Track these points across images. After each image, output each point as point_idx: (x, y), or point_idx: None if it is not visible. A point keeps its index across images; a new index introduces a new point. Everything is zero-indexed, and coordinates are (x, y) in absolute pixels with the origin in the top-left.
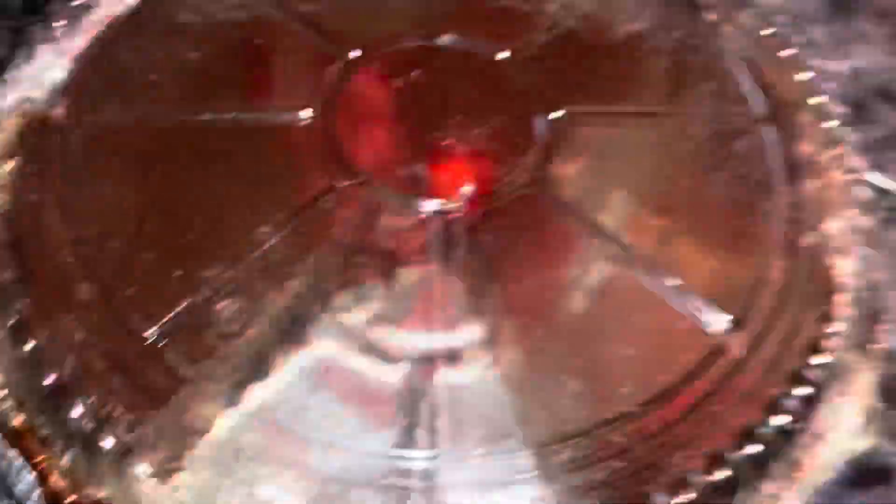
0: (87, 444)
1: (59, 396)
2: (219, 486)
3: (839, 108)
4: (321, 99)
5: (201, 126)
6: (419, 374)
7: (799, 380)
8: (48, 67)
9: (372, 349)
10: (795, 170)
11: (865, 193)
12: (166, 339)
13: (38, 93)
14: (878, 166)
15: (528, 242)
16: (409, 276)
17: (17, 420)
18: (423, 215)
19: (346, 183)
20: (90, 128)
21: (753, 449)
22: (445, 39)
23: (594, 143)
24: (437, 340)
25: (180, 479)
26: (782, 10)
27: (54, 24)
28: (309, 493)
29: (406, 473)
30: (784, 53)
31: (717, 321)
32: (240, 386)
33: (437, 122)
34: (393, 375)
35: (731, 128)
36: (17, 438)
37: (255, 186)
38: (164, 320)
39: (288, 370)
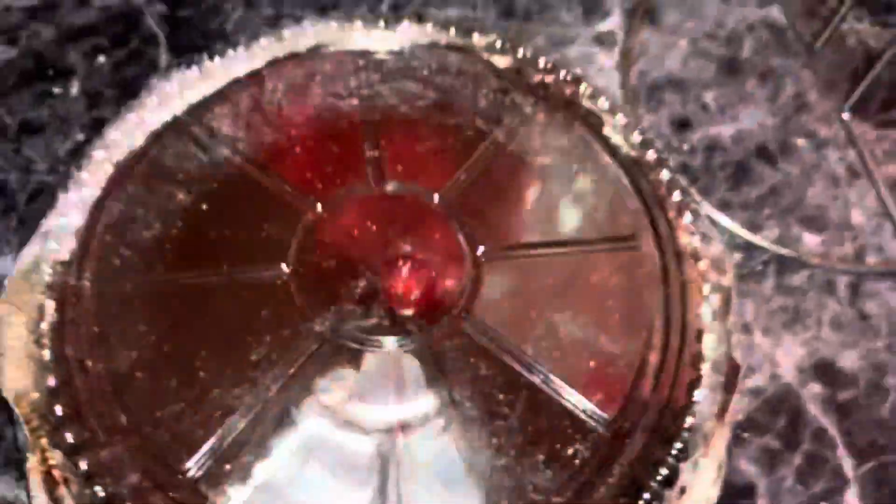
0: None
1: None
2: None
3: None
4: (295, 254)
5: (196, 285)
6: (386, 441)
7: (670, 445)
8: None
9: (347, 423)
10: (666, 268)
11: (724, 250)
12: (203, 473)
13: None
14: (753, 224)
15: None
16: (374, 361)
17: None
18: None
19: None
20: (106, 294)
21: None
22: (391, 186)
23: (507, 274)
24: (399, 412)
25: None
26: (679, 80)
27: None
28: None
29: None
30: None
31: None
32: (248, 468)
33: (389, 259)
34: (366, 444)
35: (618, 245)
36: None
37: (247, 326)
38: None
39: (283, 449)
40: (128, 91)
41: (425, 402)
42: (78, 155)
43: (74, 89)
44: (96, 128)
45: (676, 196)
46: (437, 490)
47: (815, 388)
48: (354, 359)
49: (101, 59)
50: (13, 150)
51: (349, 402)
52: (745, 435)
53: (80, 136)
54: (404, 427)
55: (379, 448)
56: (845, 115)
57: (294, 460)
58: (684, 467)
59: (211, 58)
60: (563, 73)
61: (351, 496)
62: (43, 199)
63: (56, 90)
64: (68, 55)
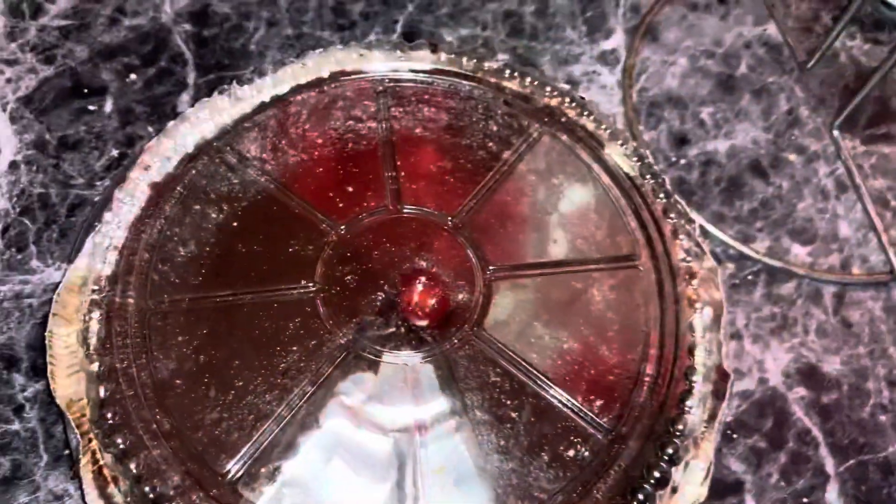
0: None
1: None
2: None
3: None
4: (322, 272)
5: (229, 301)
6: (404, 441)
7: (663, 449)
8: (106, 242)
9: (367, 423)
10: (661, 285)
11: (716, 267)
12: (240, 475)
13: (99, 268)
14: (745, 236)
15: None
16: (391, 368)
17: None
18: (399, 329)
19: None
20: (148, 309)
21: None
22: (407, 208)
23: (514, 291)
24: (414, 414)
25: None
26: (677, 97)
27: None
28: None
29: None
30: (656, 196)
31: (601, 424)
32: (279, 467)
33: (406, 275)
34: (384, 444)
35: (618, 264)
36: None
37: (277, 338)
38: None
39: (309, 448)
40: (158, 108)
41: (439, 405)
42: (113, 170)
43: (108, 106)
44: (129, 144)
45: (672, 217)
46: (449, 487)
47: (801, 391)
48: (373, 365)
49: (133, 76)
50: (53, 165)
51: (368, 403)
52: (734, 435)
53: (115, 152)
54: (420, 428)
55: (396, 447)
56: (835, 131)
57: (319, 459)
58: (676, 469)
59: (240, 84)
60: (567, 98)
61: (371, 491)
62: (81, 211)
63: (91, 107)
64: (101, 73)
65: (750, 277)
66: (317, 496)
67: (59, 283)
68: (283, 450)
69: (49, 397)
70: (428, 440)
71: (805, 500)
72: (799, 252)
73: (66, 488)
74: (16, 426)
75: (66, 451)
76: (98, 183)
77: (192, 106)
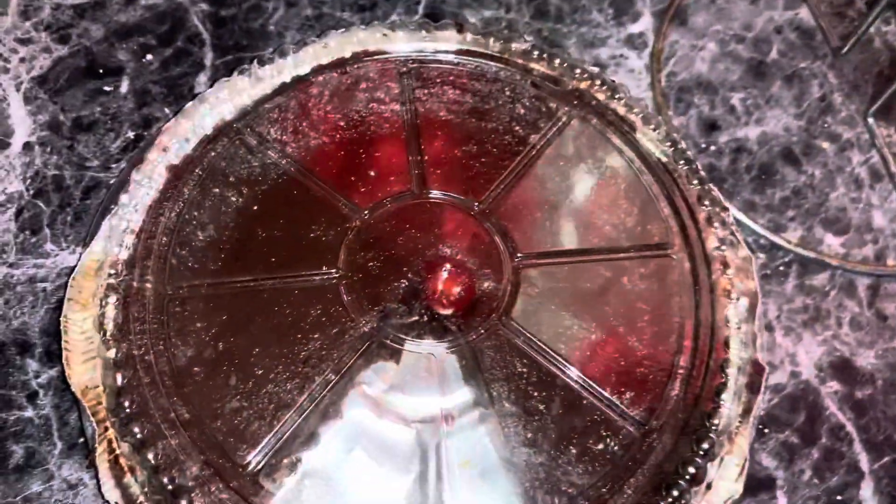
0: None
1: (179, 497)
2: None
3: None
4: (346, 258)
5: (250, 287)
6: (426, 432)
7: (698, 444)
8: (123, 225)
9: (389, 413)
10: (696, 274)
11: (751, 256)
12: (260, 465)
13: (115, 252)
14: (776, 225)
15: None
16: (413, 357)
17: None
18: (422, 317)
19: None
20: (166, 294)
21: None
22: (433, 194)
23: (543, 279)
24: (437, 405)
25: None
26: (707, 82)
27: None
28: None
29: None
30: (690, 182)
31: (633, 417)
32: (300, 458)
33: (430, 262)
34: (407, 434)
35: (650, 252)
36: None
37: (298, 325)
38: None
39: (331, 438)
40: (175, 89)
41: (463, 396)
42: (129, 152)
43: (124, 87)
44: (146, 125)
45: (707, 204)
46: (474, 480)
47: (834, 385)
48: (396, 354)
49: (149, 57)
50: (67, 146)
51: (390, 393)
52: (766, 430)
53: (131, 134)
54: (444, 419)
55: (419, 438)
56: (869, 119)
57: (341, 449)
58: (711, 465)
59: (261, 64)
60: (598, 81)
61: (393, 482)
62: (96, 194)
63: (106, 88)
64: (117, 53)
65: (781, 268)
66: (338, 487)
67: (74, 267)
68: (304, 440)
69: (63, 384)
70: (452, 432)
71: (839, 497)
72: (832, 242)
73: (80, 477)
74: (29, 413)
75: (81, 439)
76: (113, 165)
77: (210, 87)
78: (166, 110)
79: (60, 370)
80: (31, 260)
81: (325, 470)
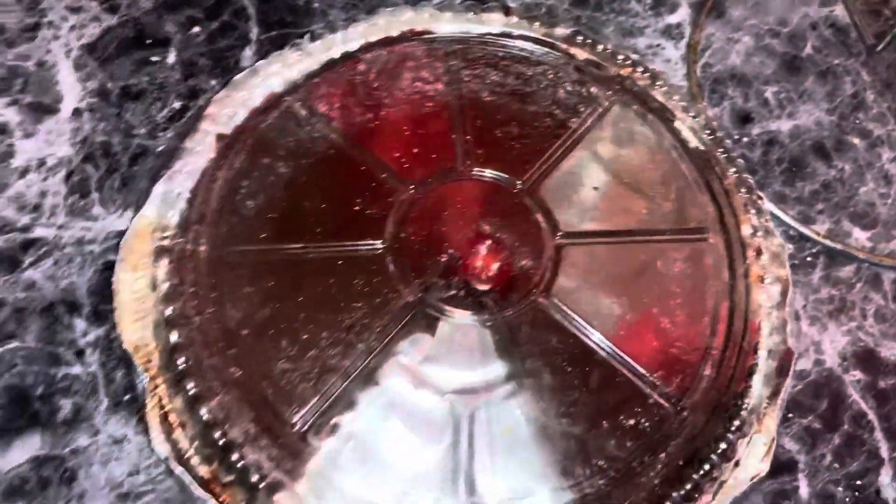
0: (250, 485)
1: (229, 452)
2: (324, 492)
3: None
4: (392, 230)
5: (299, 254)
6: (459, 403)
7: (730, 422)
8: (175, 190)
9: (423, 384)
10: (731, 259)
11: (784, 243)
12: (307, 425)
13: (168, 216)
14: (805, 217)
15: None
16: (448, 329)
17: (204, 470)
18: (460, 291)
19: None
20: (218, 258)
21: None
22: (477, 171)
23: (584, 259)
24: (471, 376)
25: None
26: (741, 74)
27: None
28: (385, 491)
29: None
30: (728, 169)
31: (668, 394)
32: (341, 421)
33: (470, 238)
34: (440, 404)
35: (687, 236)
36: (205, 484)
37: (344, 293)
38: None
39: (368, 405)
40: (221, 62)
41: (497, 370)
42: (175, 121)
43: (171, 58)
44: (192, 96)
45: (743, 192)
46: (505, 451)
47: (857, 374)
48: (434, 326)
49: (196, 29)
50: (115, 114)
51: (426, 364)
52: (790, 415)
53: (177, 104)
54: (477, 391)
55: (452, 408)
56: None
57: (378, 415)
58: (741, 443)
59: (312, 39)
60: (639, 68)
61: (426, 450)
62: (143, 161)
63: (154, 58)
64: (165, 25)
65: (809, 259)
66: (376, 451)
67: (121, 230)
68: (346, 404)
69: (110, 343)
70: (485, 404)
71: (858, 482)
72: (859, 236)
73: (125, 433)
74: (77, 370)
75: (126, 397)
76: (160, 134)
77: (256, 61)
78: (212, 82)
79: (107, 329)
80: (80, 222)
81: (363, 434)
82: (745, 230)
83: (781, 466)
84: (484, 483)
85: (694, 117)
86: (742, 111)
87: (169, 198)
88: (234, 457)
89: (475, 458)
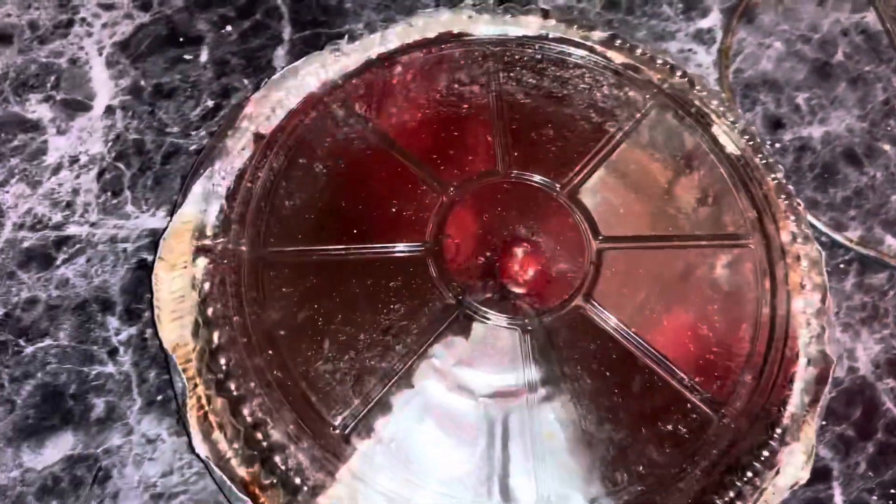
0: (293, 487)
1: (271, 454)
2: (363, 494)
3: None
4: (433, 231)
5: (340, 256)
6: (493, 407)
7: (772, 429)
8: (215, 189)
9: (458, 387)
10: (772, 265)
11: (821, 250)
12: (347, 426)
13: (207, 215)
14: (837, 224)
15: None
16: (482, 332)
17: (244, 472)
18: (495, 295)
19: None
20: (259, 258)
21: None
22: (517, 174)
23: (624, 263)
24: (505, 380)
25: (335, 491)
26: (773, 80)
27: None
28: (420, 494)
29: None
30: (768, 175)
31: (710, 400)
32: (378, 422)
33: (513, 240)
34: (473, 408)
35: (728, 241)
36: (245, 485)
37: (383, 296)
38: (347, 409)
39: (404, 407)
40: (253, 61)
41: (532, 373)
42: (208, 120)
43: (203, 56)
44: (225, 95)
45: (783, 198)
46: (541, 456)
47: (890, 382)
48: (466, 329)
49: (228, 28)
50: (148, 112)
51: (458, 367)
52: (824, 423)
53: (210, 103)
54: (510, 394)
55: (486, 412)
56: None
57: (414, 418)
58: (783, 450)
59: (351, 40)
60: (677, 72)
61: (461, 454)
62: (176, 159)
63: (186, 56)
64: (197, 23)
65: (842, 266)
66: (412, 454)
67: (154, 228)
68: (384, 407)
69: (143, 341)
70: (519, 408)
71: (892, 491)
72: (892, 243)
73: (158, 433)
74: (110, 368)
75: (160, 396)
76: (193, 133)
77: (288, 60)
78: (245, 81)
79: (140, 329)
80: (112, 220)
81: (401, 436)
82: (785, 236)
83: (816, 474)
84: (519, 488)
85: (732, 122)
86: (774, 117)
87: (208, 197)
88: (277, 458)
89: (510, 463)
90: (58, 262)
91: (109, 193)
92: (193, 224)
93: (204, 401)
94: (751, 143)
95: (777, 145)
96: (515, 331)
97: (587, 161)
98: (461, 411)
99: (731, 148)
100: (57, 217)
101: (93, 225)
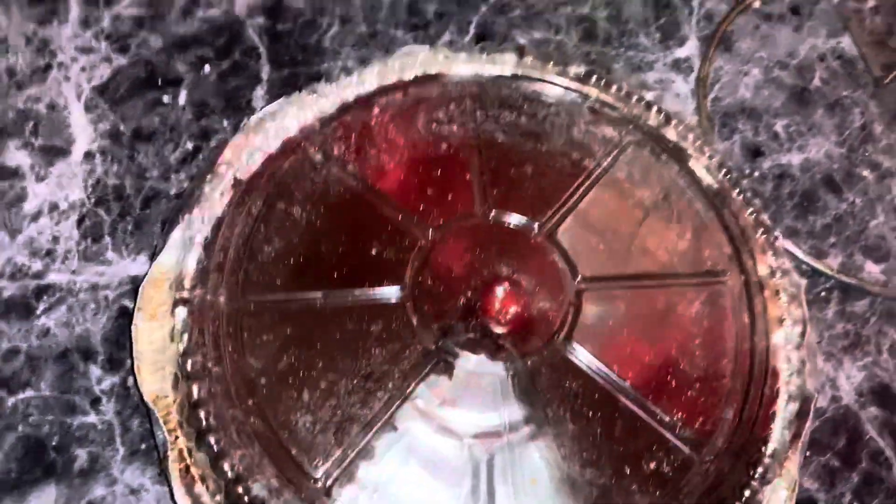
0: None
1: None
2: None
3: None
4: (412, 274)
5: (320, 305)
6: (477, 447)
7: (754, 468)
8: (193, 236)
9: (442, 428)
10: (751, 300)
11: (801, 284)
12: (329, 475)
13: (186, 264)
14: (818, 251)
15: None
16: (466, 373)
17: None
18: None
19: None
20: (237, 308)
21: None
22: (495, 215)
23: (603, 303)
24: (489, 420)
25: None
26: (751, 108)
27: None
28: None
29: None
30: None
31: (691, 440)
32: (360, 469)
33: (493, 279)
34: (458, 449)
35: (706, 278)
36: None
37: (363, 341)
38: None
39: (385, 451)
40: (232, 101)
41: (516, 414)
42: (188, 163)
43: (182, 98)
44: (204, 137)
45: (761, 233)
46: (525, 497)
47: (874, 411)
48: (449, 369)
49: (207, 68)
50: (128, 156)
51: (442, 408)
52: (808, 453)
53: (189, 145)
54: (496, 436)
55: (471, 453)
56: None
57: (398, 461)
58: (765, 490)
59: (327, 81)
60: (654, 108)
61: (446, 495)
62: (156, 203)
63: (165, 99)
64: (176, 64)
65: (823, 294)
66: (397, 499)
67: (135, 275)
68: (368, 453)
69: (125, 390)
70: (502, 449)
71: None
72: (872, 270)
73: (142, 483)
74: (92, 418)
75: (143, 446)
76: (173, 176)
77: (267, 101)
78: (224, 122)
79: (122, 377)
80: (93, 267)
81: (385, 483)
82: (763, 270)
83: None
84: None
85: (709, 157)
86: (752, 145)
87: (186, 245)
88: None
89: None
90: (38, 312)
91: (90, 240)
92: (172, 274)
93: (185, 453)
94: (728, 176)
95: (756, 174)
96: (498, 372)
97: (565, 199)
98: (446, 453)
99: (708, 181)
100: (37, 265)
101: (73, 272)
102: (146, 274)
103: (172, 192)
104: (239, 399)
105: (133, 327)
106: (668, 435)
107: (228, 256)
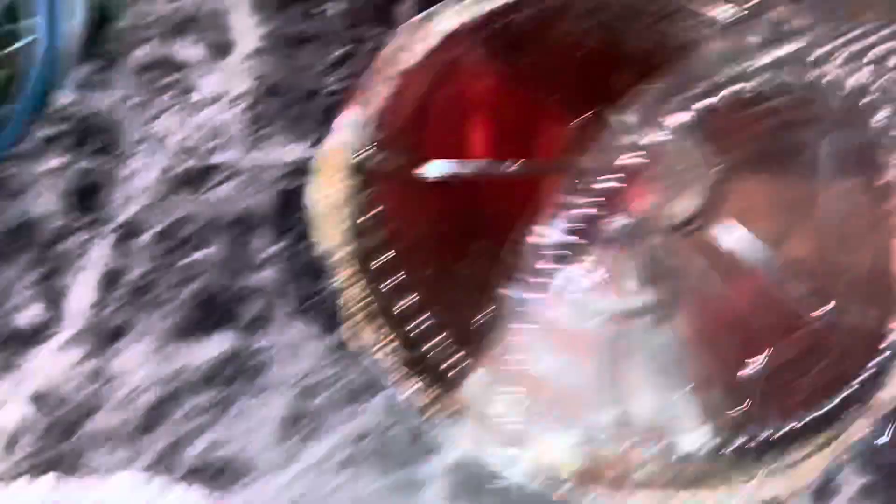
0: (440, 373)
1: (420, 343)
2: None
3: None
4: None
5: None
6: (606, 327)
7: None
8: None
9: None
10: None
11: None
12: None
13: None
14: None
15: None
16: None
17: (394, 362)
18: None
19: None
20: (405, 175)
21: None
22: None
23: (744, 192)
24: (621, 303)
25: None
26: None
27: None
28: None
29: None
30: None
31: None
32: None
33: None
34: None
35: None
36: (395, 374)
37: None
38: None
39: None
40: (383, 13)
41: (652, 295)
42: (344, 65)
43: (337, 7)
44: (359, 41)
45: None
46: (649, 376)
47: None
48: (580, 251)
49: None
50: (287, 55)
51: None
52: None
53: (345, 49)
54: (622, 316)
55: (598, 332)
56: None
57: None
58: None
59: None
60: None
61: (579, 373)
62: (317, 98)
63: (321, 8)
64: None
65: None
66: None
67: (296, 159)
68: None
69: (294, 254)
70: (630, 329)
71: None
72: None
73: (310, 332)
74: (260, 277)
75: (310, 301)
76: (332, 76)
77: (414, 12)
78: (376, 30)
79: (289, 243)
80: (257, 152)
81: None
82: None
83: None
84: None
85: None
86: None
87: (357, 122)
88: (425, 348)
89: (620, 382)
90: (208, 187)
91: (255, 127)
92: (346, 146)
93: (355, 300)
94: None
95: None
96: (627, 253)
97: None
98: (580, 331)
99: None
100: (206, 147)
101: (239, 155)
102: (309, 158)
103: (333, 88)
104: (408, 250)
105: (307, 188)
106: (802, 310)
107: (399, 130)
